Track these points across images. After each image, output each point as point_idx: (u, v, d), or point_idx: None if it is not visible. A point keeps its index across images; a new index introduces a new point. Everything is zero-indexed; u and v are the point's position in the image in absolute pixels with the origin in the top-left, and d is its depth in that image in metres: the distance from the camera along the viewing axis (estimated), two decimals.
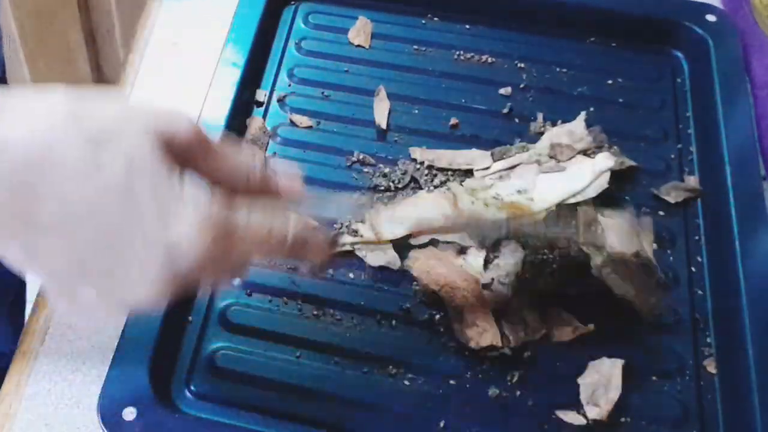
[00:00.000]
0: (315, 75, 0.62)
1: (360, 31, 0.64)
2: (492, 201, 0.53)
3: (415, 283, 0.50)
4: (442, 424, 0.46)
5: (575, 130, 0.58)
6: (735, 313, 0.49)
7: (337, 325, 0.49)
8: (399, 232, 0.51)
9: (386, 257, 0.51)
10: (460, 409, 0.46)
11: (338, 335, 0.49)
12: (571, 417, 0.46)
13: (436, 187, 0.55)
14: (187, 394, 0.46)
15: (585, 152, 0.56)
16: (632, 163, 0.57)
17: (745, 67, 0.62)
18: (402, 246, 0.52)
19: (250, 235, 0.35)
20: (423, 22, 0.66)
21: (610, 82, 0.63)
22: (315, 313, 0.50)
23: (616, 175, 0.55)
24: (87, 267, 0.32)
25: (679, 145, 0.59)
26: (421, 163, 0.56)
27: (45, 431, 0.45)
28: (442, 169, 0.56)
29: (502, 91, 0.61)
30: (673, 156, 0.59)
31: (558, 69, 0.63)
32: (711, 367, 0.49)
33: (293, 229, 0.36)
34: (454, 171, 0.56)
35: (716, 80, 0.60)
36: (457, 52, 0.64)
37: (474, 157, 0.57)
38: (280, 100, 0.60)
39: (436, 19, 0.66)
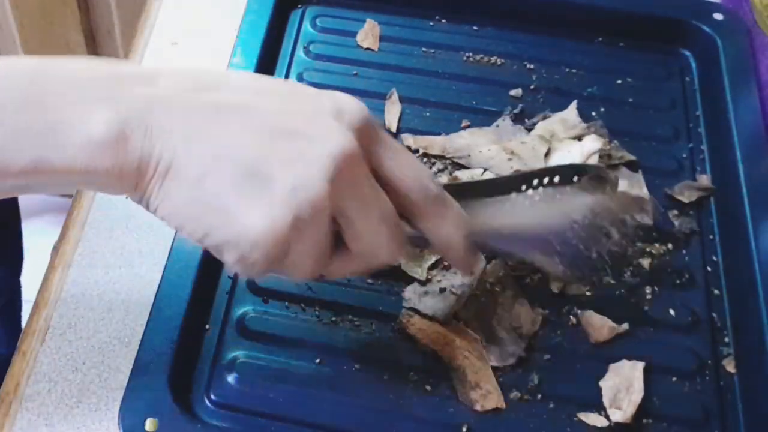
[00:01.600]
0: (324, 78, 0.61)
1: (368, 33, 0.64)
2: None
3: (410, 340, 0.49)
4: (464, 428, 0.46)
5: (568, 118, 0.58)
6: (752, 312, 0.49)
7: (355, 331, 0.49)
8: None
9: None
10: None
11: (357, 341, 0.49)
12: (593, 419, 0.46)
13: (436, 174, 0.56)
14: (207, 403, 0.46)
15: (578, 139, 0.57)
16: (632, 157, 0.57)
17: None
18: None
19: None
20: (431, 24, 0.65)
21: (619, 82, 0.63)
22: (333, 319, 0.49)
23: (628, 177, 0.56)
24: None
25: (690, 144, 0.60)
26: (416, 151, 0.57)
27: (45, 431, 0.45)
28: (439, 157, 0.56)
29: (512, 92, 0.61)
30: (684, 155, 0.59)
31: (567, 69, 0.63)
32: (730, 366, 0.49)
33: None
34: (451, 158, 0.56)
35: (725, 78, 0.60)
36: (466, 54, 0.63)
37: (468, 143, 0.56)
38: None
39: (443, 21, 0.66)
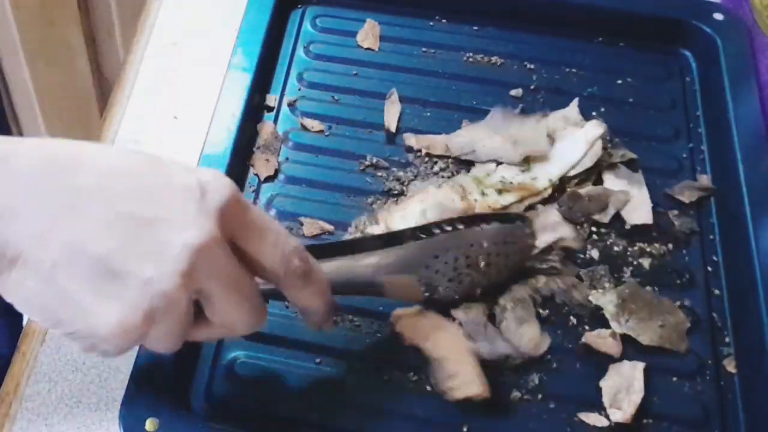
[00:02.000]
0: (325, 79, 0.61)
1: (368, 33, 0.64)
2: (500, 186, 0.54)
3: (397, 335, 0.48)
4: (465, 429, 0.46)
5: (570, 115, 0.59)
6: (753, 312, 0.49)
7: (355, 331, 0.49)
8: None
9: None
10: (483, 413, 0.46)
11: (357, 341, 0.49)
12: (593, 419, 0.46)
13: (436, 173, 0.56)
14: (208, 402, 0.46)
15: None
16: (633, 155, 0.57)
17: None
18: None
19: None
20: (431, 24, 0.65)
21: (619, 82, 0.63)
22: (333, 319, 0.49)
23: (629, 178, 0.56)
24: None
25: (691, 144, 0.60)
26: (419, 151, 0.57)
27: (45, 431, 0.45)
28: (441, 156, 0.57)
29: (512, 92, 0.61)
30: (684, 155, 0.59)
31: (567, 69, 0.63)
32: (730, 366, 0.49)
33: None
34: (456, 156, 0.56)
35: (725, 78, 0.60)
36: (466, 54, 0.63)
37: (469, 139, 0.57)
38: (291, 105, 0.60)
39: (444, 20, 0.65)
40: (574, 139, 0.56)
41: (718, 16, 0.64)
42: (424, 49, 0.64)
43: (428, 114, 0.60)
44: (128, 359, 0.47)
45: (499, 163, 0.56)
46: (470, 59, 0.63)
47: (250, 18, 0.61)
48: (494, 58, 0.63)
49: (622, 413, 0.45)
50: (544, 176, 0.55)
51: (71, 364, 0.48)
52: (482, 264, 0.47)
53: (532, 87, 0.62)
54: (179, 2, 0.66)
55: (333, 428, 0.46)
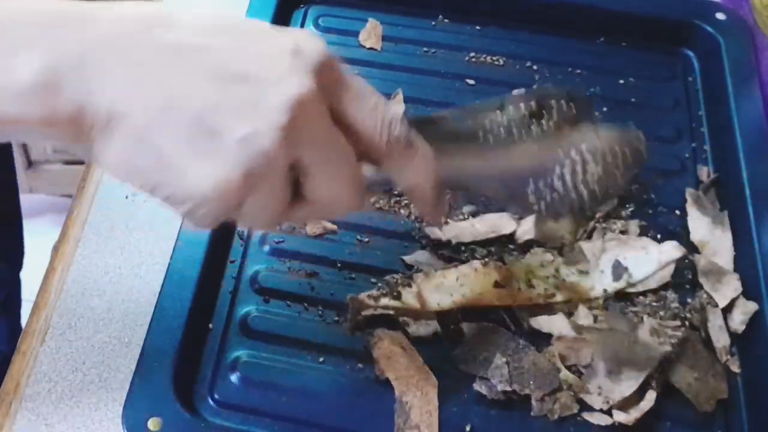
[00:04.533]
0: None
1: (370, 33, 0.64)
2: (552, 282, 0.50)
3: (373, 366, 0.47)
4: (468, 428, 0.46)
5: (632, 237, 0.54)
6: (757, 312, 0.49)
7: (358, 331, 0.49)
8: (446, 303, 0.48)
9: (429, 329, 0.48)
10: (486, 412, 0.46)
11: (360, 341, 0.48)
12: (596, 418, 0.46)
13: (482, 256, 0.51)
14: (211, 402, 0.46)
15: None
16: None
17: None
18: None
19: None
20: (433, 23, 0.65)
21: (622, 82, 0.63)
22: (336, 318, 0.49)
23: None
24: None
25: (693, 144, 0.59)
26: (448, 242, 0.52)
27: (45, 431, 0.45)
28: (478, 243, 0.52)
29: (515, 92, 0.61)
30: (687, 155, 0.59)
31: (570, 70, 0.63)
32: (734, 366, 0.49)
33: None
34: (495, 240, 0.52)
35: (728, 78, 0.60)
36: (469, 54, 0.63)
37: (495, 223, 0.53)
38: None
39: (446, 20, 0.65)
40: (646, 255, 0.51)
41: (721, 16, 0.64)
42: (426, 49, 0.64)
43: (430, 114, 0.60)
44: (128, 359, 0.47)
45: (560, 255, 0.52)
46: (472, 59, 0.63)
47: (251, 17, 0.61)
48: (497, 58, 0.63)
49: (626, 416, 0.45)
50: (600, 285, 0.50)
51: (71, 364, 0.47)
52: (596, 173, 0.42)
53: (534, 87, 0.61)
54: (180, 2, 0.66)
55: (335, 428, 0.45)
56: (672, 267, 0.51)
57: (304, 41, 0.34)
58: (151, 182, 0.33)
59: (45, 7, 0.32)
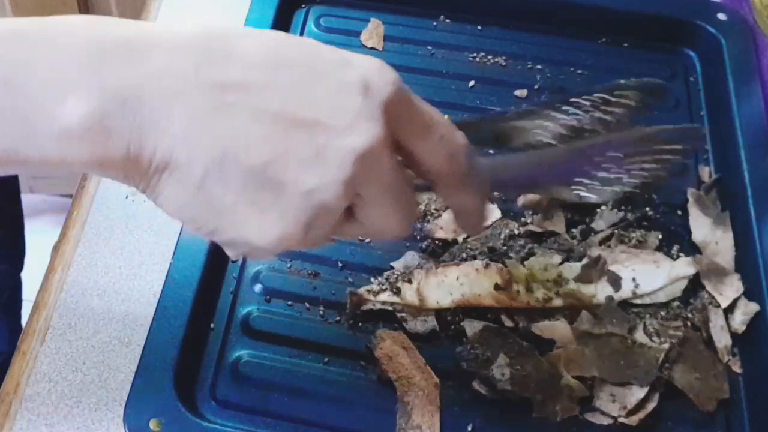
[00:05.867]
0: None
1: (372, 33, 0.64)
2: (551, 286, 0.49)
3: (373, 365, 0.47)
4: (470, 427, 0.45)
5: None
6: (759, 313, 0.49)
7: (362, 331, 0.49)
8: (445, 301, 0.48)
9: (426, 326, 0.48)
10: (488, 412, 0.46)
11: (362, 341, 0.48)
12: (598, 418, 0.46)
13: (488, 253, 0.51)
14: (212, 402, 0.46)
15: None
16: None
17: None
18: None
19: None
20: (435, 23, 0.65)
21: (623, 82, 0.62)
22: (338, 318, 0.49)
23: None
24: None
25: None
26: (453, 241, 0.52)
27: (45, 431, 0.45)
28: (478, 242, 0.52)
29: (517, 92, 0.61)
30: None
31: (572, 69, 0.63)
32: (735, 366, 0.49)
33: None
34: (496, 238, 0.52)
35: (729, 78, 0.60)
36: (471, 54, 0.63)
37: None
38: None
39: (448, 20, 0.65)
40: (657, 270, 0.50)
41: (722, 16, 0.64)
42: (428, 48, 0.63)
43: None
44: (128, 359, 0.47)
45: (567, 260, 0.51)
46: (474, 59, 0.63)
47: (253, 18, 0.61)
48: (498, 58, 0.63)
49: (630, 416, 0.45)
50: (603, 294, 0.49)
51: (71, 364, 0.47)
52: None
53: (536, 87, 0.61)
54: (180, 2, 0.66)
55: (337, 428, 0.45)
56: (684, 283, 0.50)
57: (374, 74, 0.32)
58: (210, 227, 0.32)
59: (96, 37, 0.31)
